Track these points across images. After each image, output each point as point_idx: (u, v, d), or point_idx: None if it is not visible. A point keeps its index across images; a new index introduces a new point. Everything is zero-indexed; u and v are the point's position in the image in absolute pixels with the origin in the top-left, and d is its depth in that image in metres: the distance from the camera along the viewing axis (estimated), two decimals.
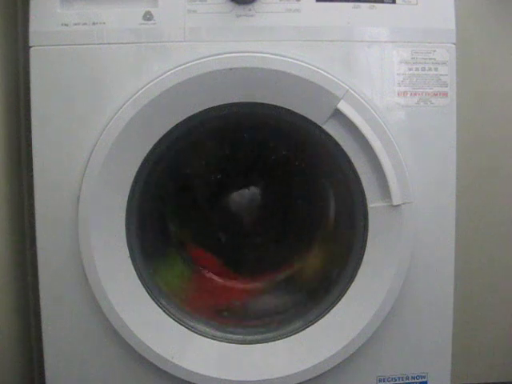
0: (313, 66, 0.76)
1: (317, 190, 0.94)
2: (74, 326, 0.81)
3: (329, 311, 0.82)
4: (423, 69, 0.80)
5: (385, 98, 0.79)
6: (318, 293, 0.87)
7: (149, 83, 0.75)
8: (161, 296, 0.83)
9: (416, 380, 0.86)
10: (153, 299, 0.81)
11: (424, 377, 0.86)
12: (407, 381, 0.86)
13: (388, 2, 0.79)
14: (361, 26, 0.78)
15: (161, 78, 0.75)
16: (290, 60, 0.75)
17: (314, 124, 0.77)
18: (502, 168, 1.05)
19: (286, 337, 0.83)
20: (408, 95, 0.80)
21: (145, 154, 0.77)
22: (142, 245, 0.84)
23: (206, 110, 0.76)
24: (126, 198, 0.78)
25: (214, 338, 0.83)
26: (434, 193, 0.81)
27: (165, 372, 0.80)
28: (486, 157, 1.04)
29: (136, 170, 0.77)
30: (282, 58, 0.75)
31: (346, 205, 0.86)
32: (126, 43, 0.76)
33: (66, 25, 0.76)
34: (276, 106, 0.77)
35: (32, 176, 0.78)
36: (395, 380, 0.86)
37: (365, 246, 0.80)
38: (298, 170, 0.92)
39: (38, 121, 0.77)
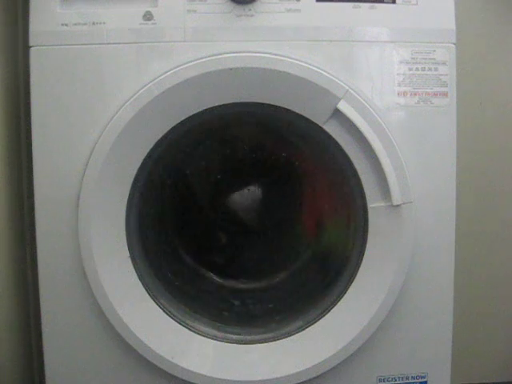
0: (313, 65, 0.76)
1: (317, 189, 0.94)
2: (74, 326, 0.81)
3: (329, 311, 0.82)
4: (423, 69, 0.80)
5: (385, 97, 0.79)
6: (317, 293, 0.87)
7: (149, 83, 0.75)
8: (161, 296, 0.83)
9: (416, 380, 0.86)
10: (153, 299, 0.81)
11: (424, 377, 0.86)
12: (407, 381, 0.86)
13: (388, 2, 0.79)
14: (361, 25, 0.78)
15: (161, 78, 0.75)
16: (289, 60, 0.75)
17: (314, 124, 0.77)
18: (502, 168, 1.05)
19: (286, 337, 0.83)
20: (408, 95, 0.80)
21: (145, 154, 0.77)
22: (142, 245, 0.84)
23: (205, 110, 0.76)
24: (126, 198, 0.78)
25: (214, 338, 0.83)
26: (433, 193, 0.81)
27: (165, 372, 0.80)
28: (486, 157, 1.04)
29: (136, 169, 0.77)
30: (281, 57, 0.75)
31: (346, 205, 0.86)
32: (126, 43, 0.76)
33: (66, 25, 0.76)
34: (276, 106, 0.77)
35: (32, 176, 0.78)
36: (395, 380, 0.86)
37: (365, 246, 0.80)
38: (298, 169, 0.92)
39: (38, 121, 0.77)
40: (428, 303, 0.84)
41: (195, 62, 0.75)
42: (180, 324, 0.82)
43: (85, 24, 0.76)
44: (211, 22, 0.76)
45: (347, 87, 0.76)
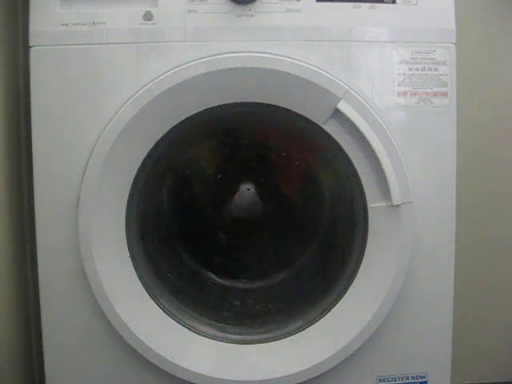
0: (313, 65, 0.76)
1: (317, 189, 0.94)
2: (74, 326, 0.81)
3: (329, 311, 0.82)
4: (423, 69, 0.80)
5: (385, 98, 0.79)
6: (317, 293, 0.87)
7: (149, 83, 0.75)
8: (161, 296, 0.83)
9: (416, 380, 0.86)
10: (153, 299, 0.81)
11: (424, 377, 0.86)
12: (407, 381, 0.86)
13: (388, 2, 0.79)
14: (361, 25, 0.78)
15: (161, 78, 0.75)
16: (289, 60, 0.75)
17: (314, 124, 0.77)
18: (502, 168, 1.05)
19: (286, 337, 0.83)
20: (408, 95, 0.80)
21: (145, 154, 0.77)
22: (142, 245, 0.84)
23: (205, 110, 0.76)
24: (126, 198, 0.78)
25: (214, 338, 0.83)
26: (433, 193, 0.81)
27: (165, 372, 0.80)
28: (486, 157, 1.04)
29: (136, 169, 0.77)
30: (281, 57, 0.75)
31: (346, 205, 0.86)
32: (126, 43, 0.76)
33: (66, 25, 0.76)
34: (276, 106, 0.77)
35: (32, 176, 0.78)
36: (395, 380, 0.86)
37: (365, 246, 0.80)
38: (298, 169, 0.92)
39: (38, 121, 0.77)
40: (428, 303, 0.84)
41: (195, 62, 0.75)
42: (180, 324, 0.82)
43: (85, 24, 0.76)
44: (211, 22, 0.76)
45: (347, 87, 0.76)
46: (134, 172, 0.77)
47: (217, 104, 0.76)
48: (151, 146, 0.77)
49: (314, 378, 0.81)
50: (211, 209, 0.96)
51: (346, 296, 0.82)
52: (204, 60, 0.75)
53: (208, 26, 0.76)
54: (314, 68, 0.76)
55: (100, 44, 0.76)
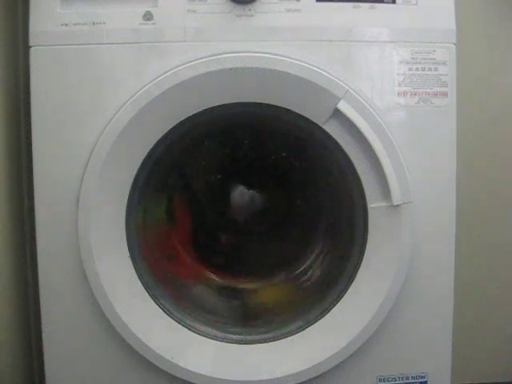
0: (313, 65, 0.76)
1: (317, 190, 0.94)
2: (74, 326, 0.81)
3: (329, 311, 0.82)
4: (423, 69, 0.80)
5: (385, 98, 0.79)
6: (317, 293, 0.87)
7: (149, 83, 0.75)
8: (161, 296, 0.83)
9: (416, 380, 0.86)
10: (153, 299, 0.81)
11: (424, 377, 0.86)
12: (407, 381, 0.86)
13: (388, 2, 0.79)
14: (361, 26, 0.78)
15: (161, 78, 0.75)
16: (289, 60, 0.75)
17: (314, 124, 0.77)
18: (502, 168, 1.05)
19: (286, 337, 0.83)
20: (408, 95, 0.80)
21: (145, 154, 0.77)
22: (142, 245, 0.84)
23: (205, 110, 0.76)
24: (126, 198, 0.78)
25: (214, 338, 0.83)
26: (433, 193, 0.81)
27: (165, 372, 0.80)
28: (486, 157, 1.04)
29: (136, 170, 0.77)
30: (282, 58, 0.75)
31: (346, 205, 0.86)
32: (126, 43, 0.76)
33: (66, 25, 0.76)
34: (276, 106, 0.77)
35: (32, 176, 0.78)
36: (395, 380, 0.86)
37: (365, 246, 0.80)
38: (298, 170, 0.92)
39: (38, 121, 0.77)
40: (428, 303, 0.84)
41: (195, 62, 0.75)
42: (180, 324, 0.82)
43: (85, 24, 0.76)
44: (211, 22, 0.76)
45: (347, 87, 0.76)
46: (134, 172, 0.77)
47: (217, 104, 0.76)
48: (151, 146, 0.77)
49: (314, 377, 0.81)
50: (211, 209, 0.96)
51: (345, 296, 0.82)
52: (204, 60, 0.75)
53: (208, 26, 0.76)
54: (313, 68, 0.76)
55: (100, 44, 0.76)
